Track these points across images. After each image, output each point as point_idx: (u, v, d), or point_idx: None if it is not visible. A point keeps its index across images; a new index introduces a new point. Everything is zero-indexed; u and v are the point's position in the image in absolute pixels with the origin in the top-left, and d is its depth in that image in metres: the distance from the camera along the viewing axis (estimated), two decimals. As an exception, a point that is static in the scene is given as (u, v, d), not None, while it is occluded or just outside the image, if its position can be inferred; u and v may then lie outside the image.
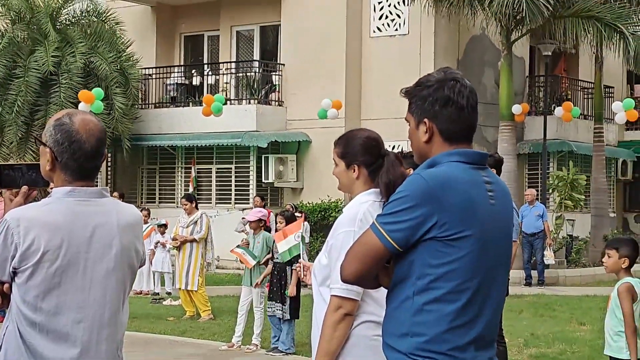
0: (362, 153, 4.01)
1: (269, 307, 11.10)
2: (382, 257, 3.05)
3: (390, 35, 22.98)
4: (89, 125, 3.34)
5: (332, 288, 3.76)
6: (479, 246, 3.03)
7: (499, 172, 7.85)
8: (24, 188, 3.54)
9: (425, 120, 3.16)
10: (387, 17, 23.02)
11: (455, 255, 2.99)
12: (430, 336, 2.98)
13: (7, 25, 23.94)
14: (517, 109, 21.58)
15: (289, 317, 10.90)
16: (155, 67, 25.91)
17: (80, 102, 18.89)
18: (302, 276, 4.62)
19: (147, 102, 25.85)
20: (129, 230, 3.39)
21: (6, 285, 3.29)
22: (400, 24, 22.82)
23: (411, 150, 3.30)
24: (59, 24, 24.06)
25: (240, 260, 12.35)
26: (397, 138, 17.32)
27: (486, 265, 3.06)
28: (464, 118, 3.15)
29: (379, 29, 23.15)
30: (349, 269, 3.08)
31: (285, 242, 9.70)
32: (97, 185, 3.40)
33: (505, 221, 3.20)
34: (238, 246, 12.11)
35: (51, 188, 3.38)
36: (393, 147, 16.08)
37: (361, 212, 3.81)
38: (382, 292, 3.29)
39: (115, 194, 19.29)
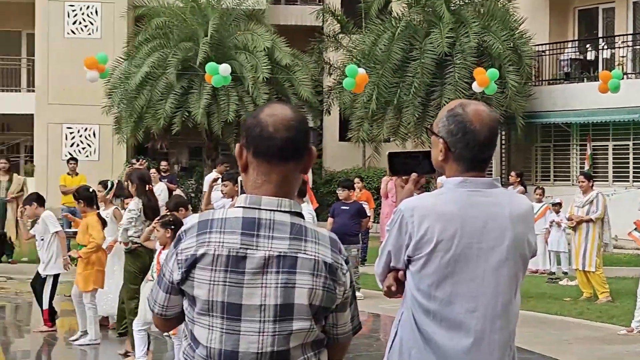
0: None
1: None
2: None
3: None
4: (482, 115, 3.37)
5: None
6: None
7: None
8: (414, 175, 3.66)
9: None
10: None
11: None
12: None
13: (404, 9, 24.81)
14: None
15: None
16: (549, 43, 25.55)
17: (473, 81, 19.09)
18: None
19: (540, 78, 25.60)
20: (521, 221, 3.38)
21: (401, 273, 3.42)
22: None
23: None
24: (453, 5, 24.49)
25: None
26: None
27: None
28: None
29: None
30: None
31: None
32: (490, 175, 3.43)
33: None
34: (635, 229, 11.61)
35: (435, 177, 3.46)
36: None
37: None
38: None
39: (513, 173, 19.30)
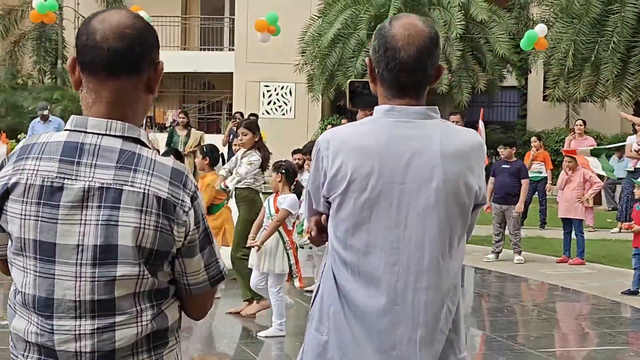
0: None
1: None
2: None
3: None
4: (410, 30, 2.80)
5: None
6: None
7: None
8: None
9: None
10: None
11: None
12: None
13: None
14: None
15: None
16: None
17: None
18: None
19: None
20: (457, 158, 2.80)
21: (323, 217, 2.94)
22: None
23: None
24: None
25: None
26: None
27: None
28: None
29: None
30: None
31: None
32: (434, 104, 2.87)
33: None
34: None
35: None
36: None
37: None
38: None
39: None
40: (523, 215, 14.08)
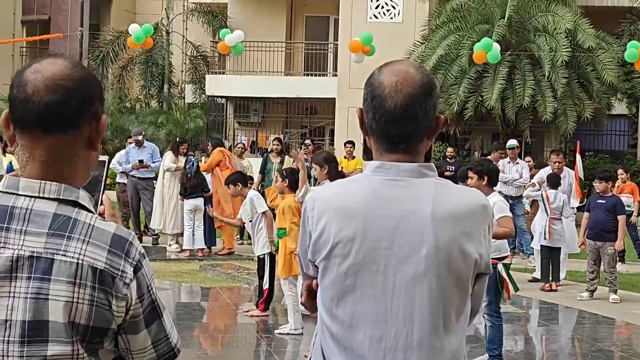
0: None
1: None
2: None
3: None
4: (399, 77, 2.52)
5: None
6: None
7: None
8: None
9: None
10: None
11: None
12: None
13: None
14: None
15: None
16: None
17: None
18: None
19: None
20: (451, 222, 2.48)
21: (314, 281, 2.67)
22: None
23: None
24: None
25: None
26: None
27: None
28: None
29: None
30: None
31: None
32: (431, 161, 2.58)
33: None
34: None
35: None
36: None
37: None
38: None
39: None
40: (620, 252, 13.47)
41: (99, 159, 2.35)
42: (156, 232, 16.46)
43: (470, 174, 8.53)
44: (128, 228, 13.19)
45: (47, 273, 2.06)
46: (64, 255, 2.08)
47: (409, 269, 2.46)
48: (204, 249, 15.44)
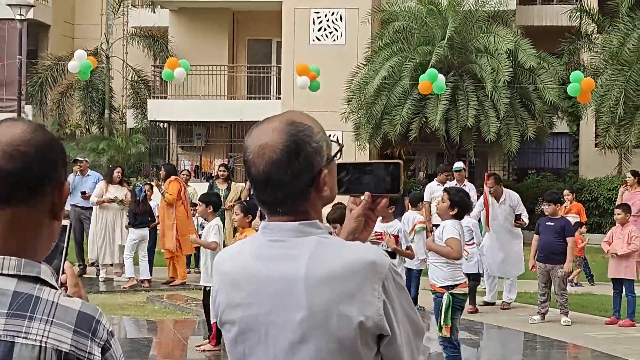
0: None
1: None
2: None
3: None
4: (262, 139, 2.33)
5: None
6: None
7: None
8: (366, 195, 2.57)
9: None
10: None
11: None
12: None
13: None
14: None
15: None
16: None
17: None
18: None
19: None
20: (327, 285, 2.27)
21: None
22: None
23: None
24: None
25: None
26: None
27: None
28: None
29: None
30: None
31: None
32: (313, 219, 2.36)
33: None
34: None
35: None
36: None
37: None
38: None
39: None
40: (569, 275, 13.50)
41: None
42: (97, 263, 16.21)
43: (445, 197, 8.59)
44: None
45: (8, 357, 1.90)
46: (26, 338, 1.91)
47: (286, 337, 2.30)
48: (150, 279, 15.19)
